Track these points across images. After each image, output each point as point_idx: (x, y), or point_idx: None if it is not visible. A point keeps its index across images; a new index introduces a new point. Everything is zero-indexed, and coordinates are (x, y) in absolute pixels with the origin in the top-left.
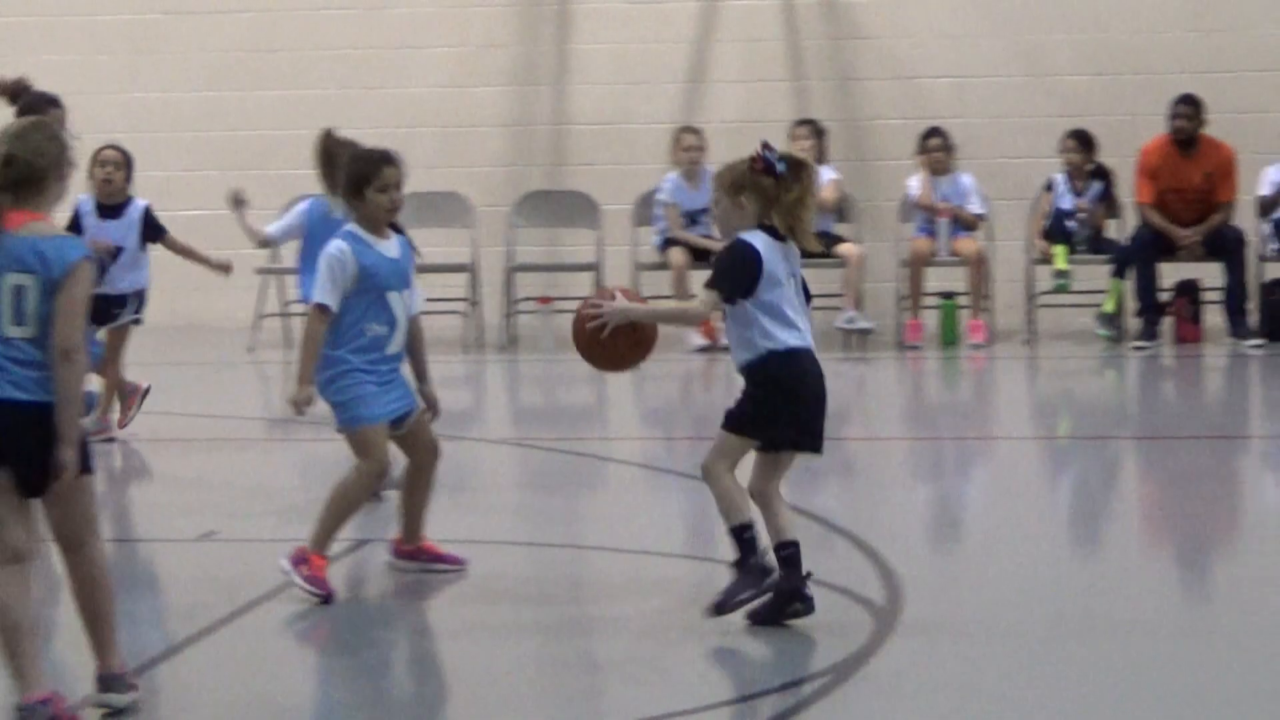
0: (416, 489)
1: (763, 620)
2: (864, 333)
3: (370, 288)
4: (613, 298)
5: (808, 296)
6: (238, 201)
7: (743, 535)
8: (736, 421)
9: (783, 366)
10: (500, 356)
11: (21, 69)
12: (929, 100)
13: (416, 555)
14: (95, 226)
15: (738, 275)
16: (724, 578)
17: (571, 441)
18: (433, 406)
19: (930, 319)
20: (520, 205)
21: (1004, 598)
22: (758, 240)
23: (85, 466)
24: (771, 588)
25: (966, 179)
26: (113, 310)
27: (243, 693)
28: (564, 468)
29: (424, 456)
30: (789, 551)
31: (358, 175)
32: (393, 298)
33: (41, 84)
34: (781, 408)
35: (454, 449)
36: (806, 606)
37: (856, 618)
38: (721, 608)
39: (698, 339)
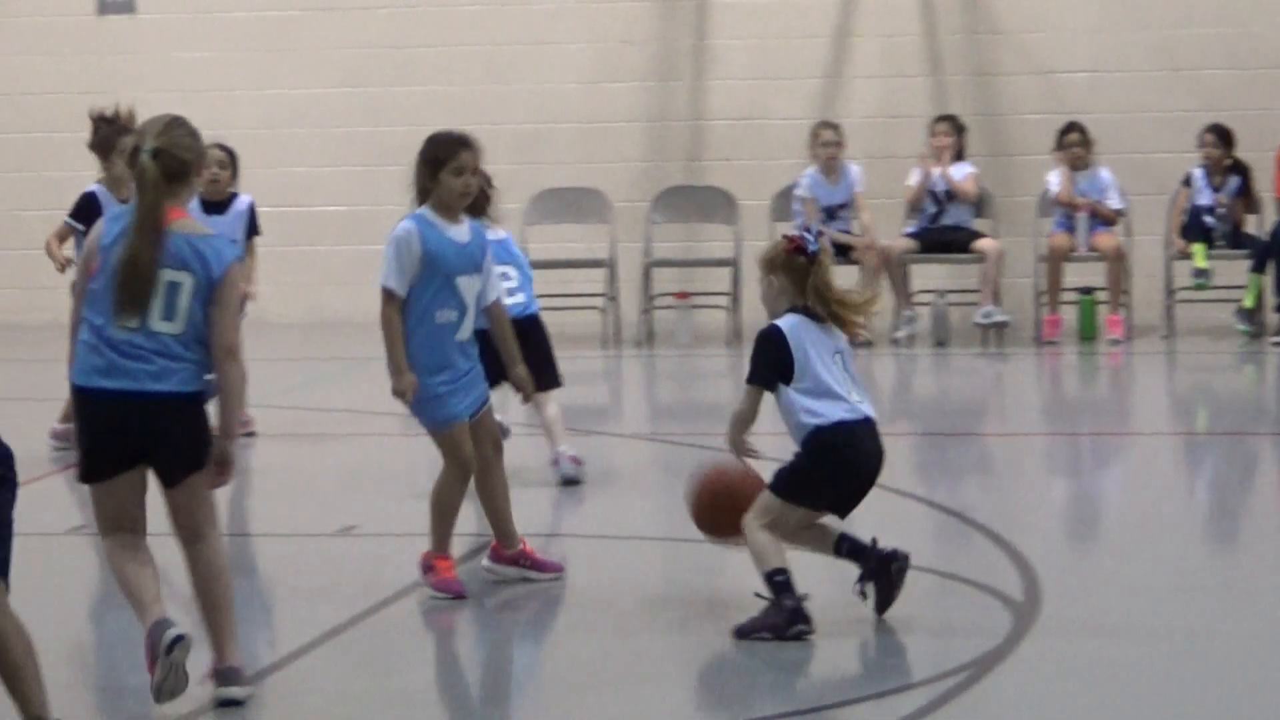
0: (491, 488)
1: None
2: (1000, 326)
3: (436, 272)
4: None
5: None
6: None
7: (774, 579)
8: (782, 487)
9: (834, 436)
10: (637, 352)
11: (162, 67)
12: (1067, 95)
13: (517, 561)
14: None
15: (770, 363)
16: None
17: (708, 437)
18: (524, 388)
19: (1069, 314)
20: (658, 201)
21: (1142, 595)
22: (786, 323)
23: (203, 460)
24: (796, 636)
25: (1106, 174)
26: None
27: (381, 685)
28: (701, 463)
29: (487, 450)
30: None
31: (434, 157)
32: (462, 282)
33: (181, 81)
34: (827, 478)
35: (591, 444)
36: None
37: (995, 614)
38: (742, 633)
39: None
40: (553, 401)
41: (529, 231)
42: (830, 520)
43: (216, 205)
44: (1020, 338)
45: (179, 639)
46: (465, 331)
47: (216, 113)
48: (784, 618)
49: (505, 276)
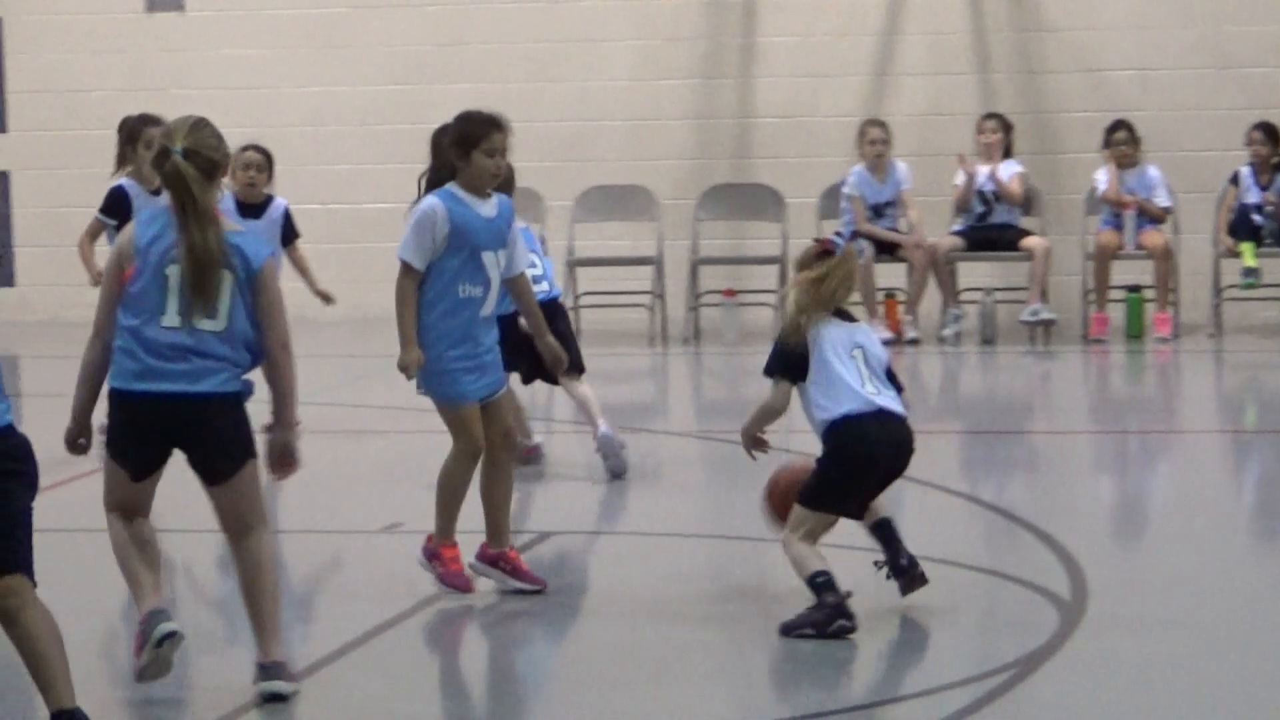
0: (494, 483)
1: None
2: (1047, 325)
3: (463, 245)
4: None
5: (897, 384)
6: None
7: (815, 581)
8: (808, 497)
9: (843, 429)
10: (684, 349)
11: (209, 64)
12: (1114, 92)
13: (497, 563)
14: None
15: (781, 355)
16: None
17: None
18: (554, 359)
19: (1116, 312)
20: (705, 198)
21: (1190, 593)
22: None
23: (250, 451)
24: (837, 632)
25: (1154, 171)
26: None
27: (426, 682)
28: (748, 460)
29: (499, 444)
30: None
31: (466, 136)
32: (487, 258)
33: (228, 79)
34: (846, 475)
35: (638, 442)
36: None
37: (1042, 612)
38: (787, 629)
39: (883, 333)
40: (583, 383)
41: (576, 229)
42: (878, 502)
43: (252, 208)
44: (1067, 336)
45: (171, 634)
46: (488, 308)
47: (263, 110)
48: (825, 614)
49: (530, 264)
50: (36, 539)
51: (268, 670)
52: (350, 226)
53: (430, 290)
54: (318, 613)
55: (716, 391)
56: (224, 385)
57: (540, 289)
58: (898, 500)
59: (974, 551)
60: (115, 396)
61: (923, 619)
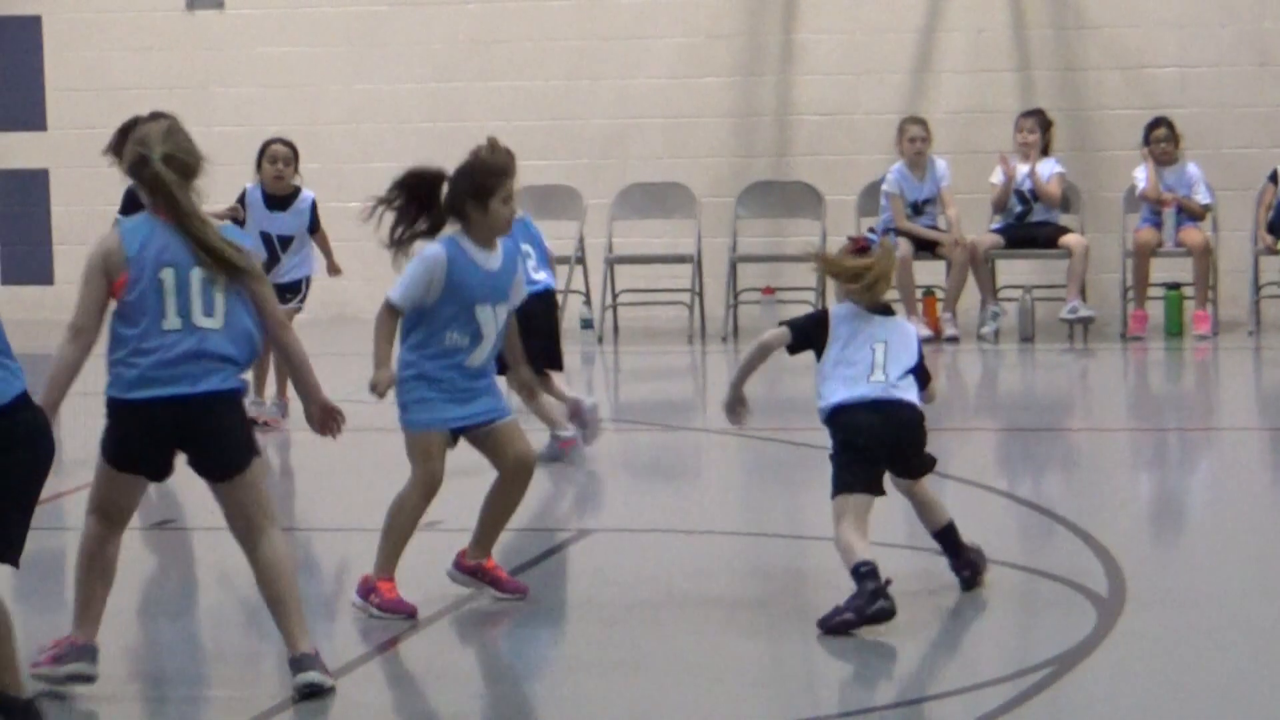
0: (497, 503)
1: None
2: (1086, 322)
3: (456, 299)
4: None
5: (922, 375)
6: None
7: (858, 571)
8: (834, 487)
9: (833, 418)
10: (723, 347)
11: (250, 62)
12: (1154, 89)
13: (476, 573)
14: (264, 217)
15: (806, 321)
16: (943, 569)
17: (792, 432)
18: (522, 387)
19: (1155, 310)
20: (744, 196)
21: (1229, 592)
22: (836, 308)
23: (255, 448)
24: (878, 614)
25: (1193, 168)
26: (286, 296)
27: (460, 681)
28: (785, 458)
29: (510, 471)
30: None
31: (483, 186)
32: (482, 312)
33: (268, 77)
34: (844, 457)
35: (676, 439)
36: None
37: (1080, 609)
38: (825, 623)
39: (922, 330)
40: (557, 379)
41: (615, 226)
42: (939, 506)
43: (280, 200)
44: (1106, 333)
45: (87, 679)
46: (476, 359)
47: (303, 107)
48: (865, 598)
49: (525, 255)
50: (53, 538)
51: (302, 662)
52: (388, 223)
53: (417, 330)
54: (352, 610)
55: (754, 389)
56: (224, 383)
57: (540, 279)
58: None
59: (1012, 549)
60: (117, 406)
61: (961, 616)
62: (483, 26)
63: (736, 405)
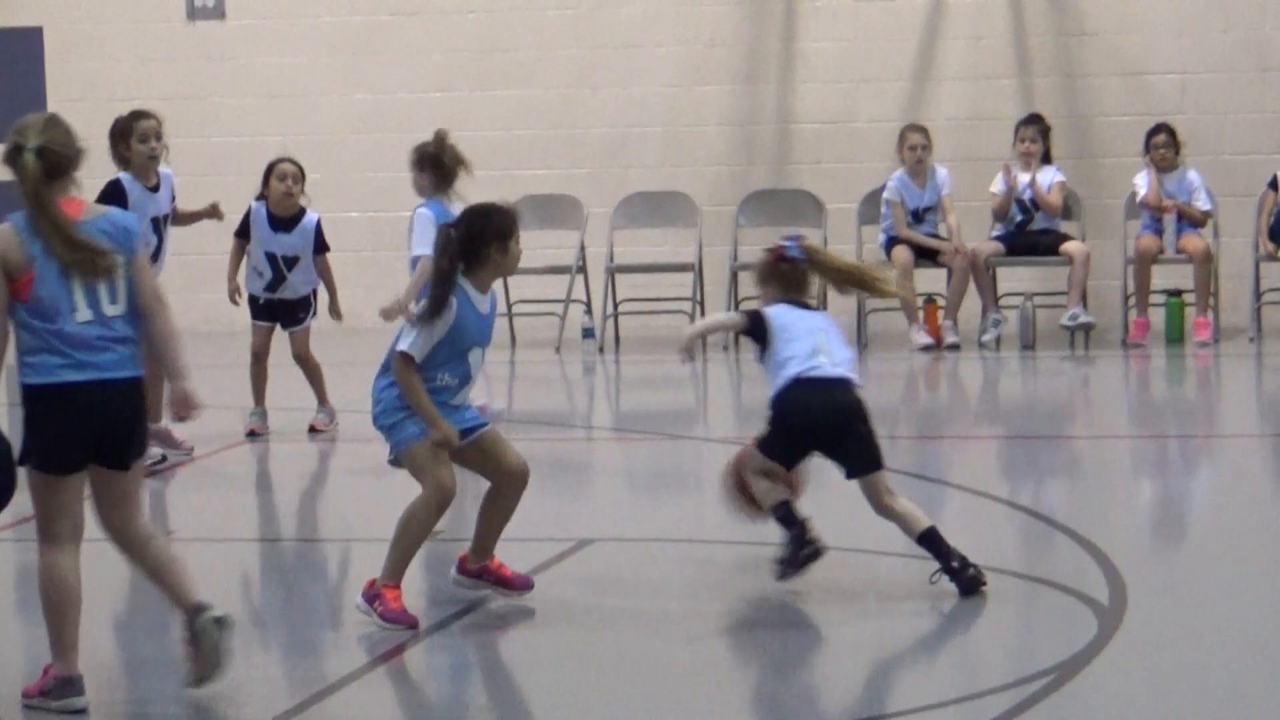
0: (495, 511)
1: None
2: (1087, 329)
3: (455, 344)
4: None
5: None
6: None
7: (776, 513)
8: (759, 444)
9: (778, 401)
10: (724, 356)
11: (251, 72)
12: (1155, 96)
13: (481, 575)
14: (268, 237)
15: (756, 318)
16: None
17: None
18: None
19: (1156, 317)
20: (745, 204)
21: (1230, 599)
22: (771, 309)
23: (146, 443)
24: (810, 556)
25: (1194, 174)
26: (299, 314)
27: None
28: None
29: (506, 478)
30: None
31: (503, 229)
32: (474, 355)
33: (270, 87)
34: (776, 428)
35: (677, 448)
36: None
37: (1080, 618)
38: (782, 577)
39: (923, 338)
40: None
41: (616, 235)
42: (917, 514)
43: (285, 221)
44: (1107, 340)
45: (76, 711)
46: (461, 399)
47: (304, 118)
48: (791, 551)
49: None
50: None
51: (199, 608)
52: (391, 234)
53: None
54: (359, 619)
55: (755, 397)
56: (137, 369)
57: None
58: (937, 504)
59: (1013, 556)
60: (42, 393)
61: (962, 624)
62: (482, 35)
63: (693, 349)
